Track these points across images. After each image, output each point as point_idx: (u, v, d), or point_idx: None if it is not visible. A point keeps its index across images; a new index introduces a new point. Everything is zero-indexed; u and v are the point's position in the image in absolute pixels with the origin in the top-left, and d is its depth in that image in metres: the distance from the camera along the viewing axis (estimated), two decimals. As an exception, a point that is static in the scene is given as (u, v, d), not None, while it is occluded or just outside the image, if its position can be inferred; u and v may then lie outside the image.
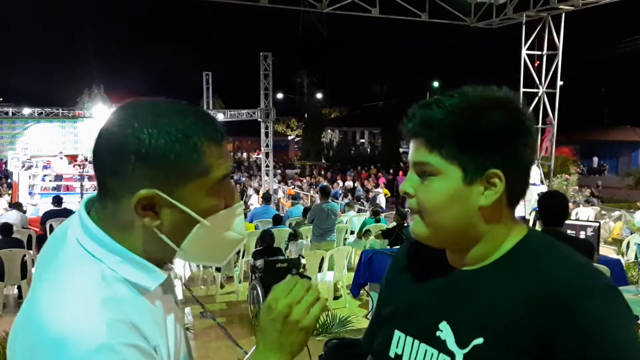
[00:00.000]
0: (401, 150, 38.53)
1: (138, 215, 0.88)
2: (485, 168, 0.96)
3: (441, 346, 1.00)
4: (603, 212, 14.12)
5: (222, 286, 8.09)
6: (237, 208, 0.98)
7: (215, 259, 1.02)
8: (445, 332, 1.00)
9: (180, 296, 7.02)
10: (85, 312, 0.81)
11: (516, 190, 0.99)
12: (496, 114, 0.96)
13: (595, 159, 35.44)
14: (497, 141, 0.96)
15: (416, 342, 1.06)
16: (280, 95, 38.91)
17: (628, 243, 9.20)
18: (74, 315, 0.80)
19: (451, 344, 0.99)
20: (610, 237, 11.79)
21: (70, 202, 12.83)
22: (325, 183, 17.72)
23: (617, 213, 13.82)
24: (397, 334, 1.10)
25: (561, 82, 14.05)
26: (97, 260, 0.88)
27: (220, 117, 22.55)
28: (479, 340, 0.94)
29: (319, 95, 41.62)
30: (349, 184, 23.95)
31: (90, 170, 19.19)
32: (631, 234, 10.03)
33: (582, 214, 11.66)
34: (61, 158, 19.05)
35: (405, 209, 10.91)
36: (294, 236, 8.29)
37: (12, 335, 0.85)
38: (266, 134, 21.28)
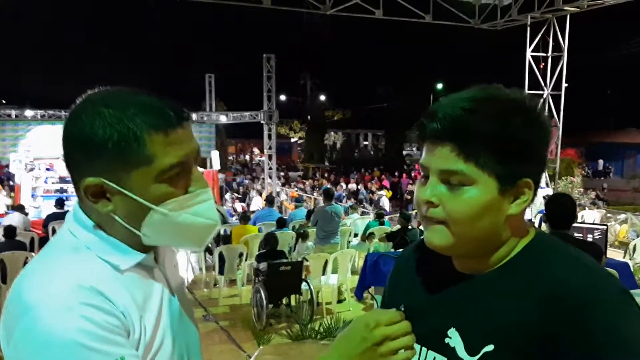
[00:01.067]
0: (404, 152, 38.53)
1: (90, 201, 0.96)
2: (519, 177, 0.94)
3: (450, 353, 0.98)
4: (609, 215, 14.04)
5: (215, 284, 8.05)
6: (200, 194, 0.99)
7: (187, 244, 1.06)
8: (454, 339, 0.98)
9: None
10: (50, 280, 0.90)
11: (535, 195, 0.98)
12: (528, 120, 0.93)
13: (601, 162, 35.28)
14: (530, 149, 0.94)
15: (424, 349, 1.03)
16: (283, 98, 38.92)
17: (635, 246, 9.12)
18: (41, 284, 0.90)
19: (461, 351, 0.96)
20: (617, 240, 11.71)
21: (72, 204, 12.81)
22: (328, 185, 17.67)
23: (623, 216, 13.73)
24: None
25: (566, 84, 13.99)
26: (76, 240, 0.98)
27: (223, 119, 22.55)
28: (490, 348, 0.92)
29: (322, 97, 41.66)
30: (352, 186, 23.91)
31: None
32: (637, 236, 9.95)
33: (588, 217, 11.59)
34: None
35: (409, 212, 10.86)
36: (303, 237, 8.24)
37: (5, 301, 0.95)
38: (269, 136, 21.26)
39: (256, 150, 42.65)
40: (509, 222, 0.96)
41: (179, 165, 0.96)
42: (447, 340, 0.98)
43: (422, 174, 1.00)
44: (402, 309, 1.04)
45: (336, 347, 1.01)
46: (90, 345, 0.86)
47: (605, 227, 4.48)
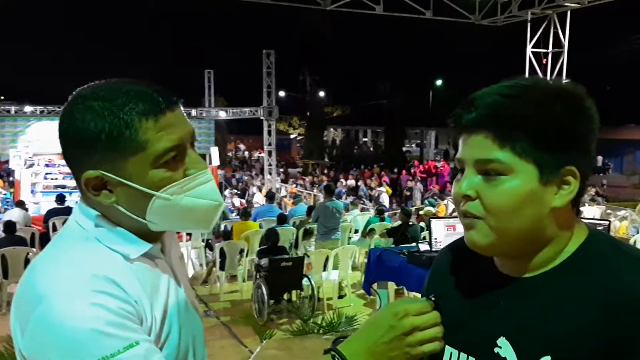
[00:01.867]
0: (404, 148, 38.51)
1: (92, 194, 0.97)
2: (562, 165, 0.86)
3: None
4: (608, 211, 14.04)
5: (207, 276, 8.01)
6: (199, 176, 1.00)
7: (195, 226, 1.06)
8: (504, 348, 0.90)
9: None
10: (63, 271, 0.91)
11: (584, 188, 0.90)
12: (570, 106, 0.87)
13: (600, 158, 35.29)
14: (573, 136, 0.87)
15: (471, 358, 0.96)
16: (282, 94, 38.86)
17: (635, 242, 9.14)
18: (54, 274, 0.91)
19: None
20: (616, 236, 11.72)
21: (74, 200, 12.80)
22: (327, 182, 17.66)
23: (622, 212, 13.73)
24: (449, 349, 0.99)
25: (566, 80, 13.96)
26: (85, 232, 0.99)
27: (222, 115, 22.53)
28: (546, 359, 0.84)
29: (322, 94, 41.58)
30: (352, 182, 23.90)
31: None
32: (637, 232, 9.96)
33: (588, 213, 11.59)
34: None
35: (410, 208, 10.87)
36: (308, 234, 8.27)
37: (15, 292, 0.97)
38: (269, 133, 21.25)
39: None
40: (554, 216, 0.88)
41: (173, 149, 0.96)
42: (497, 350, 0.91)
43: (459, 170, 0.94)
44: (433, 298, 1.00)
45: (363, 332, 0.99)
46: (106, 331, 0.87)
47: (607, 222, 4.47)
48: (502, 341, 0.91)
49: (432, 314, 0.96)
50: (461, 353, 0.97)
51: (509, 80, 0.91)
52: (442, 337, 0.97)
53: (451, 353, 0.99)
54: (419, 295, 1.10)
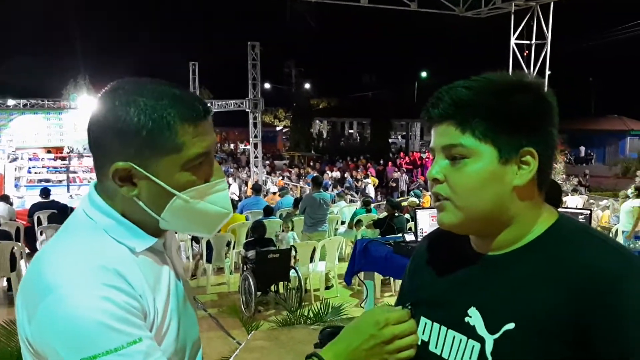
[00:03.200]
0: (390, 140, 38.58)
1: (117, 185, 0.99)
2: (520, 146, 0.94)
3: (470, 332, 0.98)
4: (591, 200, 14.24)
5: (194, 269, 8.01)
6: (218, 184, 1.06)
7: (200, 230, 1.12)
8: (474, 317, 0.98)
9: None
10: (73, 261, 0.93)
11: (546, 170, 0.98)
12: (527, 94, 0.96)
13: (582, 148, 35.69)
14: (529, 120, 0.95)
15: (443, 328, 1.04)
16: (267, 86, 38.72)
17: (617, 231, 9.30)
18: (64, 264, 0.93)
19: (481, 329, 0.97)
20: (599, 225, 11.90)
21: (58, 194, 12.72)
22: (315, 174, 17.70)
23: (605, 202, 13.94)
24: (423, 320, 1.08)
25: (549, 72, 14.09)
26: (93, 223, 1.01)
27: (208, 107, 22.39)
28: (510, 326, 0.92)
29: (307, 86, 41.51)
30: (338, 174, 23.95)
31: (74, 161, 19.04)
32: (619, 221, 10.13)
33: (571, 203, 11.75)
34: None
35: (395, 199, 10.94)
36: (287, 227, 8.30)
37: (22, 281, 0.99)
38: (255, 125, 21.19)
39: (241, 139, 42.50)
40: (517, 195, 0.96)
41: (203, 155, 1.01)
42: (467, 319, 0.99)
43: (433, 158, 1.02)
44: (409, 307, 1.07)
45: (344, 338, 1.04)
46: (112, 325, 0.90)
47: (589, 211, 4.54)
48: (472, 311, 0.98)
49: (409, 322, 1.04)
50: (434, 323, 1.06)
51: (466, 79, 0.99)
52: (417, 343, 1.05)
53: (425, 324, 1.07)
54: None
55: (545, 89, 0.99)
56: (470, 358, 0.97)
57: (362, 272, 4.80)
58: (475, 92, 0.95)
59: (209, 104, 1.05)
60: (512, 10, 13.65)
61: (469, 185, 0.95)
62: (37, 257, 0.99)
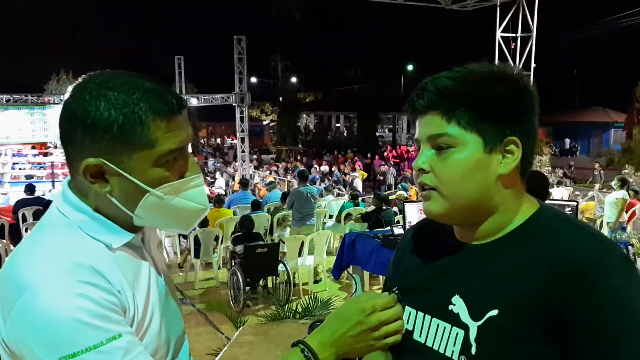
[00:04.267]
0: (377, 134, 38.61)
1: (88, 181, 0.97)
2: (504, 135, 0.96)
3: (454, 320, 0.99)
4: (576, 192, 14.37)
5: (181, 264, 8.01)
6: (194, 180, 1.03)
7: (176, 226, 1.08)
8: (458, 305, 0.99)
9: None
10: (46, 260, 0.91)
11: (528, 159, 1.00)
12: (510, 84, 0.97)
13: (567, 140, 36.00)
14: (513, 110, 0.97)
15: (427, 317, 1.05)
16: (254, 80, 38.57)
17: (601, 222, 9.40)
18: (37, 263, 0.91)
19: (465, 317, 0.98)
20: (584, 217, 12.02)
21: (43, 190, 12.59)
22: (302, 168, 17.68)
23: (590, 193, 14.07)
24: (408, 309, 1.09)
25: (535, 64, 14.17)
26: (67, 220, 0.99)
27: (193, 101, 22.25)
28: (494, 312, 0.94)
29: (294, 80, 41.40)
30: (325, 168, 23.94)
31: (59, 157, 18.84)
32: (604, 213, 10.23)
33: (556, 194, 11.84)
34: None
35: (383, 192, 10.96)
36: (282, 222, 8.32)
37: None
38: (241, 119, 21.08)
39: (227, 134, 42.34)
40: (501, 183, 0.98)
41: (177, 151, 0.99)
42: (450, 307, 1.00)
43: (418, 149, 1.03)
44: (396, 292, 1.08)
45: (330, 325, 1.04)
46: (89, 322, 0.88)
47: (575, 203, 4.60)
48: (456, 299, 1.00)
49: (396, 308, 1.04)
50: (419, 312, 1.07)
51: (450, 70, 1.00)
52: (403, 328, 1.05)
53: (410, 313, 1.08)
54: None
55: (530, 80, 1.01)
56: (454, 345, 0.98)
57: (350, 266, 4.81)
58: (459, 82, 0.96)
59: (184, 97, 1.02)
60: (498, 3, 13.72)
61: (455, 174, 0.97)
62: (11, 257, 0.97)
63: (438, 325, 1.02)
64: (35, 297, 0.87)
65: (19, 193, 11.88)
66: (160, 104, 0.96)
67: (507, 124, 0.96)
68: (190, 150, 1.05)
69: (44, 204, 9.61)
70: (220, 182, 18.00)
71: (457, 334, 0.98)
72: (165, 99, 0.97)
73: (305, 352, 1.00)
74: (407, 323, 1.07)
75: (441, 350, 1.01)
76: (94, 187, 0.97)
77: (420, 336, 1.05)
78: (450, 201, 0.98)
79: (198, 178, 1.04)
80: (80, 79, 0.99)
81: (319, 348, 1.01)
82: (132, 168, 0.96)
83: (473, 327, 0.96)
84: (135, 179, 0.96)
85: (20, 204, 9.98)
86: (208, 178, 20.78)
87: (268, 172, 22.13)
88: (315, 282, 7.71)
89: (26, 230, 8.77)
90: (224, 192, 15.53)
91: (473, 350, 0.95)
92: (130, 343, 0.92)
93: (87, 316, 0.88)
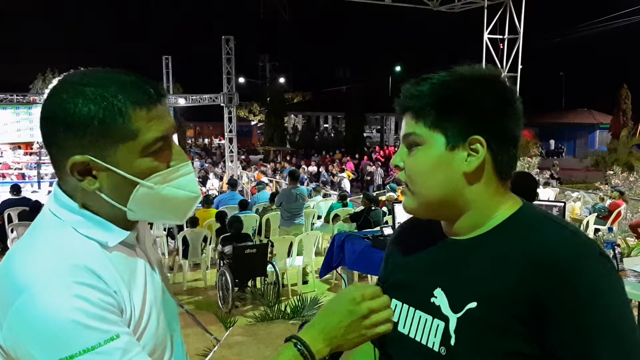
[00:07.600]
0: (365, 134, 38.67)
1: (76, 179, 0.96)
2: (467, 134, 0.99)
3: (435, 312, 1.03)
4: (565, 192, 14.49)
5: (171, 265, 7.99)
6: (182, 167, 1.02)
7: (171, 217, 1.08)
8: (439, 298, 1.03)
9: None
10: (42, 261, 0.91)
11: (503, 160, 1.01)
12: (479, 85, 1.01)
13: (552, 142, 36.31)
14: (477, 109, 0.99)
15: (411, 309, 1.09)
16: (242, 80, 38.47)
17: (587, 222, 9.49)
18: (33, 264, 0.91)
19: (445, 309, 1.01)
20: (570, 217, 12.13)
21: (29, 190, 12.45)
22: (292, 168, 17.67)
23: (576, 194, 14.20)
24: (394, 302, 1.12)
25: (521, 66, 14.27)
26: (61, 221, 0.98)
27: (181, 101, 22.19)
28: (473, 304, 0.97)
29: (282, 80, 41.38)
30: (313, 169, 23.94)
31: (45, 157, 18.63)
32: (590, 213, 10.32)
33: (543, 195, 11.92)
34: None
35: (371, 193, 10.98)
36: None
37: None
38: (229, 119, 21.03)
39: (215, 134, 42.18)
40: (467, 181, 1.01)
41: (161, 139, 0.98)
42: (432, 299, 1.04)
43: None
44: (379, 284, 1.11)
45: (321, 318, 1.04)
46: (87, 323, 0.88)
47: (562, 203, 4.63)
48: (438, 291, 1.04)
49: (384, 297, 1.06)
50: (404, 305, 1.11)
51: (437, 73, 1.04)
52: (392, 319, 1.07)
53: (396, 305, 1.12)
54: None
55: (507, 82, 1.04)
56: (435, 336, 1.02)
57: (341, 267, 4.82)
58: (432, 84, 1.01)
59: (162, 87, 1.02)
60: (485, 5, 13.80)
61: (418, 170, 1.02)
62: (5, 259, 0.96)
63: (420, 317, 1.06)
64: (32, 299, 0.87)
65: (4, 193, 11.76)
66: (139, 94, 0.96)
67: (471, 123, 0.99)
68: (175, 140, 1.05)
69: (30, 204, 9.52)
70: (215, 183, 17.93)
71: (437, 325, 1.02)
72: (144, 89, 0.97)
73: (298, 346, 1.00)
74: (393, 315, 1.09)
75: (423, 342, 1.04)
76: (83, 185, 0.97)
77: (404, 328, 1.09)
78: (418, 196, 1.04)
79: (187, 166, 1.03)
80: (55, 81, 0.98)
81: (311, 341, 1.01)
82: (118, 161, 0.95)
83: (453, 318, 0.99)
84: (123, 172, 0.96)
85: (6, 204, 9.89)
86: (197, 178, 20.71)
87: (257, 172, 22.09)
88: (304, 282, 7.70)
89: (12, 231, 8.68)
90: (217, 193, 15.45)
91: (452, 342, 0.98)
92: (128, 343, 0.92)
93: (84, 317, 0.88)
